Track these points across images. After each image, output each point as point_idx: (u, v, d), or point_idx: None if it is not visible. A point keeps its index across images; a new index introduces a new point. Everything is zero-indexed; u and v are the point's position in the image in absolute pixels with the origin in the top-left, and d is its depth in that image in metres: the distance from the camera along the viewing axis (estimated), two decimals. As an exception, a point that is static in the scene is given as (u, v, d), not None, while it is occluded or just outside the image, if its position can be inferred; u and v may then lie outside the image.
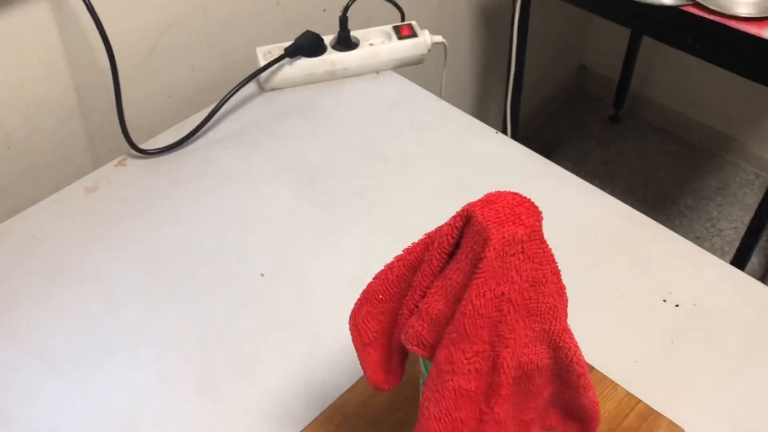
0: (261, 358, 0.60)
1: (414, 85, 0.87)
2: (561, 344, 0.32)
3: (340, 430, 0.54)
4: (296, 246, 0.69)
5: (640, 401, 0.55)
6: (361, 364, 0.38)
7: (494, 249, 0.30)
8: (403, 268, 0.35)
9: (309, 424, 0.55)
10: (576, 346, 0.33)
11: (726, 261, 0.67)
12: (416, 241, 0.35)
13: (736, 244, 1.32)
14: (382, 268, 0.36)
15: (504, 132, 1.43)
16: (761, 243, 1.55)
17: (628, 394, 0.56)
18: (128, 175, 0.76)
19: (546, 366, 0.33)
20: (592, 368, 0.57)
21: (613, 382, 0.56)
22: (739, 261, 1.22)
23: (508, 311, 0.31)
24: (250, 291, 0.65)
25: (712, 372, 0.57)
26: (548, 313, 0.32)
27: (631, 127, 1.93)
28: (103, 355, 0.61)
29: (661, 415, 0.54)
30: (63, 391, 0.58)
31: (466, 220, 0.32)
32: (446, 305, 0.32)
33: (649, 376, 0.57)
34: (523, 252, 0.30)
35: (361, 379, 0.57)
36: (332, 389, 0.57)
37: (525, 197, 0.32)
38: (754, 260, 1.57)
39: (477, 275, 0.31)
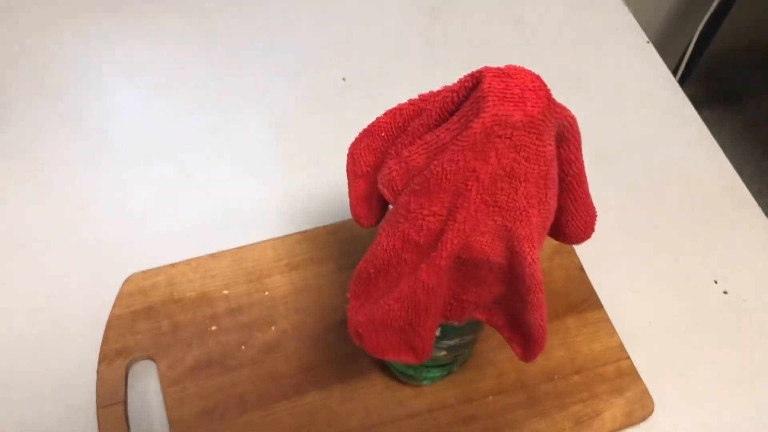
0: (315, 156, 0.61)
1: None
2: (518, 250, 0.31)
3: (340, 246, 0.55)
4: (387, 67, 0.67)
5: (628, 358, 0.53)
6: (348, 194, 0.38)
7: (482, 123, 0.28)
8: (412, 113, 0.34)
9: (315, 228, 0.56)
10: (535, 260, 0.31)
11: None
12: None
13: None
14: (395, 105, 0.34)
15: (683, 54, 1.29)
16: None
17: (620, 346, 0.53)
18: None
19: (498, 264, 0.32)
20: (600, 306, 0.55)
21: (612, 328, 0.54)
22: None
23: (472, 188, 0.29)
24: (328, 90, 0.65)
25: (716, 371, 0.53)
26: (516, 211, 0.30)
27: (833, 111, 1.69)
28: (177, 88, 0.64)
29: (641, 380, 0.52)
30: (130, 103, 0.62)
31: (476, 82, 0.29)
32: (426, 161, 0.31)
33: (654, 341, 0.54)
34: (510, 138, 0.28)
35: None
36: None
37: (543, 85, 0.28)
38: None
39: (457, 141, 0.29)
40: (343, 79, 0.65)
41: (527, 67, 0.70)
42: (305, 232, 0.56)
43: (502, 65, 0.70)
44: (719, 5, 1.19)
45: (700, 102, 1.72)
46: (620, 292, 0.56)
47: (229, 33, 0.68)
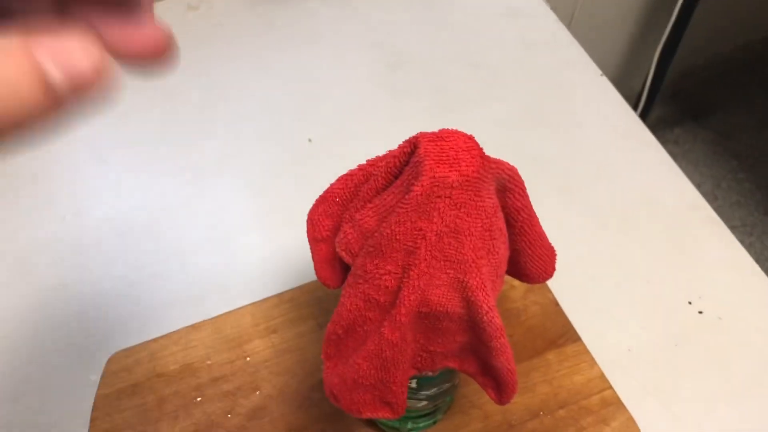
0: (287, 218, 0.62)
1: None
2: (473, 299, 0.32)
3: (318, 304, 0.56)
4: (352, 123, 0.69)
5: (610, 387, 0.53)
6: (312, 258, 0.39)
7: (422, 186, 0.29)
8: (362, 178, 0.35)
9: (296, 287, 0.57)
10: (491, 307, 0.32)
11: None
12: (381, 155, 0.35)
13: None
14: (346, 172, 0.36)
15: (646, 76, 1.33)
16: None
17: (602, 376, 0.54)
18: (231, 3, 0.78)
19: (458, 314, 0.33)
20: (578, 339, 0.56)
21: (593, 359, 0.55)
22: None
23: (421, 246, 0.30)
24: (295, 151, 0.67)
25: (699, 391, 0.54)
26: (465, 264, 0.31)
27: (800, 117, 1.73)
28: (147, 163, 0.65)
29: (625, 408, 0.52)
30: (102, 183, 0.64)
31: (413, 147, 0.31)
32: (377, 223, 0.32)
33: (635, 368, 0.55)
34: (450, 197, 0.29)
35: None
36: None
37: (476, 145, 0.30)
38: None
39: (402, 204, 0.30)
40: (309, 140, 0.67)
41: (489, 108, 0.73)
42: (282, 294, 0.56)
43: (463, 111, 0.72)
44: (674, 27, 1.23)
45: (671, 121, 1.75)
46: (597, 321, 0.57)
47: (193, 105, 0.70)
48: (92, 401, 0.51)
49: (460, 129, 0.71)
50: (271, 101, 0.70)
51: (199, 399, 0.51)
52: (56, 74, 0.16)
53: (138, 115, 0.69)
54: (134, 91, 0.70)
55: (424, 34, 0.77)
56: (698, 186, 1.60)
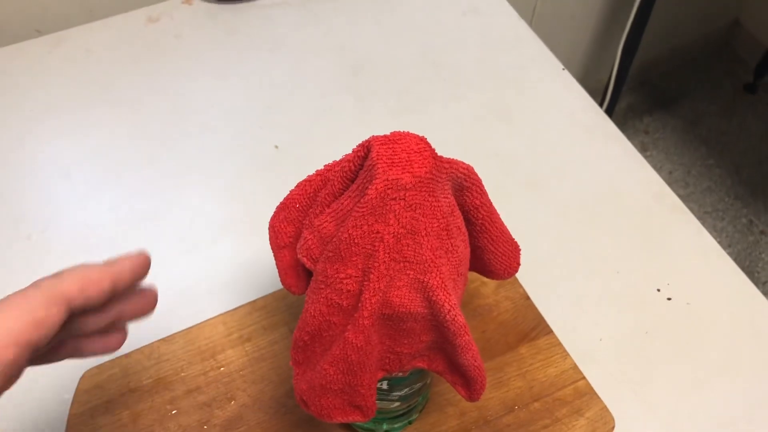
0: (256, 226, 0.62)
1: (502, -2, 0.82)
2: (434, 299, 0.32)
3: (290, 310, 0.56)
4: (318, 128, 0.69)
5: (583, 378, 0.54)
6: (276, 265, 0.39)
7: (376, 189, 0.29)
8: (320, 183, 0.35)
9: (268, 294, 0.57)
10: (453, 306, 0.32)
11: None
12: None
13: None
14: (305, 177, 0.36)
15: (611, 67, 1.34)
16: None
17: (575, 367, 0.54)
18: (191, 14, 0.78)
19: (421, 314, 0.33)
20: (550, 331, 0.56)
21: (565, 350, 0.55)
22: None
23: (379, 249, 0.30)
24: (261, 158, 0.67)
25: (672, 377, 0.55)
26: (424, 264, 0.31)
27: (765, 102, 1.76)
28: (114, 177, 0.65)
29: (599, 397, 0.53)
30: (68, 199, 0.63)
31: (366, 151, 0.31)
32: (335, 228, 0.32)
33: (607, 358, 0.56)
34: (404, 199, 0.29)
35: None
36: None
37: (428, 146, 0.30)
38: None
39: (357, 208, 0.30)
40: (276, 146, 0.67)
41: (453, 107, 0.73)
42: (254, 302, 0.56)
43: (427, 111, 0.72)
44: (636, 18, 1.24)
45: (640, 110, 1.77)
46: (568, 313, 0.58)
47: (157, 117, 0.69)
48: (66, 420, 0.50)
49: (426, 129, 0.71)
50: (235, 110, 0.70)
51: (174, 412, 0.51)
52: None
53: (101, 128, 0.68)
54: (96, 104, 0.70)
55: (385, 37, 0.77)
56: (670, 173, 1.62)
